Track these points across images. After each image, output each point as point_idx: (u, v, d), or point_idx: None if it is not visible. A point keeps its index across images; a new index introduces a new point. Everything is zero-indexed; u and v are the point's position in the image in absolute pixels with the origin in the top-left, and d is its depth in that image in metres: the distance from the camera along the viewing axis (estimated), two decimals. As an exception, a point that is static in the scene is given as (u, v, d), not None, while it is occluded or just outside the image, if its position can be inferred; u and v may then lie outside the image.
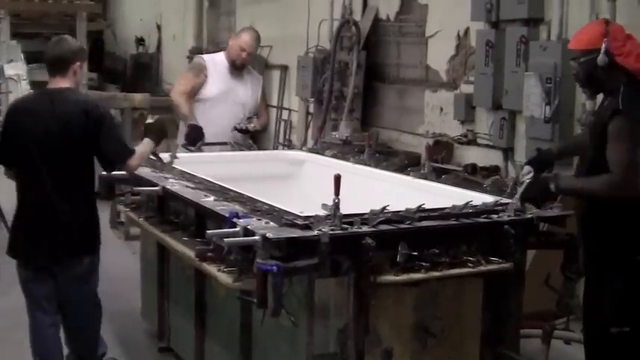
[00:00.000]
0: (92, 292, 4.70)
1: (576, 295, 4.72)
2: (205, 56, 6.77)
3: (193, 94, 6.43)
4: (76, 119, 4.39)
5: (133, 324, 6.01)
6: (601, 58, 3.84)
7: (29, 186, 4.53)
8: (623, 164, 3.76)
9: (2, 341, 5.73)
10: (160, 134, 4.77)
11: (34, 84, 12.90)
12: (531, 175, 4.15)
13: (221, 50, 6.99)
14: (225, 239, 3.56)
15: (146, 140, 4.69)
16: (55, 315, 4.68)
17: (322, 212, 3.61)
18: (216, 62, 6.50)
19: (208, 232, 3.74)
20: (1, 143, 4.60)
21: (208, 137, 6.32)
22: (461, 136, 7.49)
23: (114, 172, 4.74)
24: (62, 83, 4.51)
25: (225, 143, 6.31)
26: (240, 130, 6.47)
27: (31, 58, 14.83)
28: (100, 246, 4.69)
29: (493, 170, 6.75)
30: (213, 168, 5.23)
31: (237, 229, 3.60)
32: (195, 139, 6.18)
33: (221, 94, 6.38)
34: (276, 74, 11.08)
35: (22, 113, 4.56)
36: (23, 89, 12.96)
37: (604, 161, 3.83)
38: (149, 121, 4.92)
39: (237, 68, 6.46)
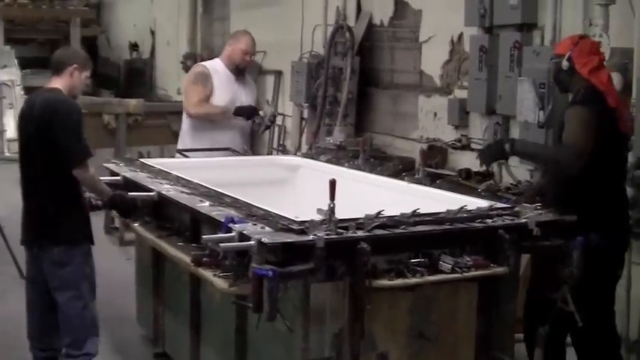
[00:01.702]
0: (69, 281, 4.74)
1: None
2: (206, 64, 6.72)
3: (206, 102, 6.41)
4: (43, 117, 4.59)
5: (128, 329, 6.01)
6: (564, 63, 4.62)
7: (21, 182, 4.83)
8: (575, 144, 4.40)
9: (-3, 348, 5.74)
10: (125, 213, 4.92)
11: (28, 89, 12.92)
12: None
13: (213, 57, 6.95)
14: (220, 244, 3.56)
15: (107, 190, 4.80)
16: (44, 298, 4.82)
17: (317, 217, 3.62)
18: (218, 70, 6.46)
19: (204, 237, 3.75)
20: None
21: (218, 145, 6.32)
22: (455, 141, 7.51)
23: (106, 178, 4.86)
24: (54, 83, 4.72)
25: (219, 149, 6.31)
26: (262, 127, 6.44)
27: (24, 64, 14.85)
28: (76, 241, 4.77)
29: (487, 175, 6.77)
30: (208, 173, 5.24)
31: (232, 234, 3.61)
32: (252, 113, 6.19)
33: (229, 103, 6.36)
34: (270, 79, 11.10)
35: (20, 115, 4.86)
36: (17, 95, 12.99)
37: None
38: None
39: (239, 73, 6.44)
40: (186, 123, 6.63)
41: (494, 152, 4.75)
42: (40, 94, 4.78)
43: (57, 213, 4.69)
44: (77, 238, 4.77)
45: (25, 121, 4.75)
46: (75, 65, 4.71)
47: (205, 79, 6.43)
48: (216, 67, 6.52)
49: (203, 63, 6.86)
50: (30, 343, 4.94)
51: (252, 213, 3.93)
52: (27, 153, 4.74)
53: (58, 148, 4.53)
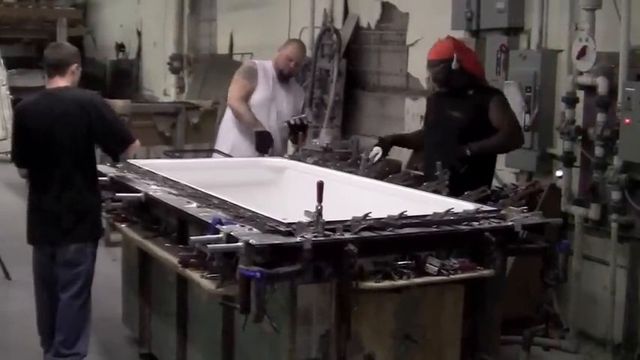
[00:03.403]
0: (80, 279, 4.82)
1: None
2: (257, 61, 6.77)
3: (247, 99, 6.44)
4: (74, 114, 4.70)
5: (113, 330, 5.99)
6: (454, 64, 5.30)
7: (36, 181, 4.84)
8: (514, 122, 5.50)
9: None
10: None
11: (13, 89, 12.84)
12: (379, 155, 5.58)
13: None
14: (208, 245, 3.56)
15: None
16: (56, 297, 4.85)
17: (305, 219, 3.63)
18: (266, 69, 6.51)
19: (192, 238, 3.74)
20: (14, 145, 4.92)
21: (248, 144, 6.34)
22: (441, 143, 7.52)
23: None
24: (60, 82, 4.80)
25: (206, 150, 6.32)
26: (294, 127, 6.42)
27: (10, 64, 14.74)
28: (93, 238, 4.90)
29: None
30: (195, 175, 5.23)
31: (220, 235, 3.61)
32: (265, 145, 6.22)
33: (265, 102, 6.39)
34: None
35: (27, 115, 4.83)
36: (3, 95, 12.87)
37: (478, 130, 5.29)
38: None
39: (284, 78, 6.48)
40: (230, 120, 6.62)
41: (458, 158, 5.23)
42: (54, 93, 4.78)
43: (90, 205, 4.82)
44: (90, 235, 4.87)
45: (43, 119, 4.72)
46: (76, 64, 4.87)
47: (252, 74, 6.50)
48: (265, 66, 6.57)
49: (255, 60, 6.92)
50: (42, 339, 5.00)
51: (240, 214, 3.94)
52: (47, 151, 4.72)
53: (115, 134, 4.84)
